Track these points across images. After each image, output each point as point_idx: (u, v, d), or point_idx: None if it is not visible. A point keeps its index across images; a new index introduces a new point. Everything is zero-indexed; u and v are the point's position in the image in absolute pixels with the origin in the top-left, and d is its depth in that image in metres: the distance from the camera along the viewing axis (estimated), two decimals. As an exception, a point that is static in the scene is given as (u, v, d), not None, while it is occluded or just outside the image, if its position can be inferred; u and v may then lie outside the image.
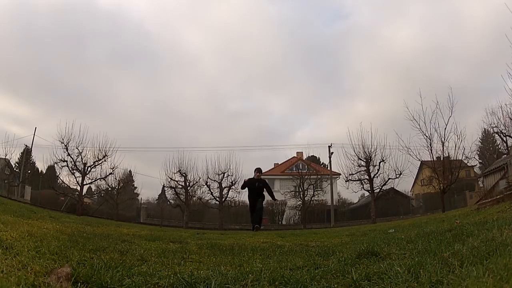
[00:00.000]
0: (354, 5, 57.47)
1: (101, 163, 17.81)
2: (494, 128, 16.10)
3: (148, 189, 67.55)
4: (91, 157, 17.57)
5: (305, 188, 20.93)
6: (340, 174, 18.20)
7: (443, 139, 14.02)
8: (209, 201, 20.47)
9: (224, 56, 60.93)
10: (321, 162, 35.37)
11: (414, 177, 24.53)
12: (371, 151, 16.83)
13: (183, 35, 60.70)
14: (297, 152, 31.06)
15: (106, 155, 17.80)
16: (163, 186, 23.01)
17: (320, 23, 61.43)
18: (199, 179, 19.23)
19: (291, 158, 31.74)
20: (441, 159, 14.80)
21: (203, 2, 61.80)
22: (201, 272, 1.18)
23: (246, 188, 7.91)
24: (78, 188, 17.66)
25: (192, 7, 60.72)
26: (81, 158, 17.35)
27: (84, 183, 17.68)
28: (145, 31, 57.51)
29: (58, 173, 20.11)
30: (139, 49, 57.54)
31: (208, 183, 18.99)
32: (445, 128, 13.96)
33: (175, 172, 18.97)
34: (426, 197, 23.07)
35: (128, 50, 58.06)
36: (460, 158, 14.69)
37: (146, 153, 54.14)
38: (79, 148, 17.23)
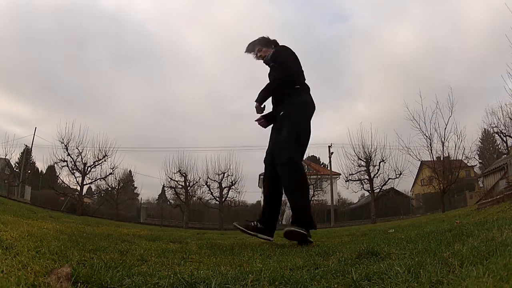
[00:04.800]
0: (354, 6, 57.52)
1: (101, 163, 17.86)
2: (494, 128, 16.11)
3: (148, 189, 67.59)
4: (91, 157, 17.64)
5: (305, 188, 20.86)
6: (340, 174, 18.23)
7: (443, 139, 14.06)
8: (209, 201, 20.50)
9: (225, 57, 61.03)
10: (321, 162, 35.37)
11: (414, 177, 24.54)
12: (371, 151, 16.86)
13: (184, 36, 60.81)
14: (297, 152, 30.99)
15: (106, 155, 17.85)
16: (163, 186, 23.05)
17: (320, 25, 61.46)
18: (199, 179, 19.29)
19: (291, 158, 31.69)
20: (441, 159, 14.81)
21: (204, 3, 61.90)
22: (201, 272, 1.18)
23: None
24: (78, 188, 17.70)
25: (193, 8, 60.83)
26: (81, 158, 17.39)
27: (84, 183, 17.73)
28: (146, 32, 57.56)
29: (58, 173, 20.15)
30: (140, 50, 57.59)
31: (208, 183, 19.03)
32: (445, 128, 14.01)
33: (175, 172, 19.03)
34: (426, 197, 23.08)
35: (129, 50, 58.11)
36: (460, 158, 14.71)
37: (146, 153, 54.15)
38: (79, 148, 17.29)
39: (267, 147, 2.88)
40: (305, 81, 2.83)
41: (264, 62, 2.95)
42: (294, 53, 2.82)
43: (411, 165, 20.25)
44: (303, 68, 2.84)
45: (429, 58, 50.23)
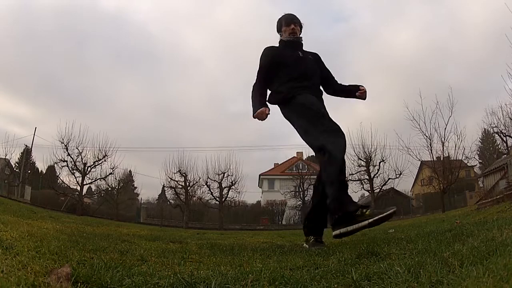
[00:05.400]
0: (354, 7, 57.51)
1: (101, 163, 17.87)
2: (494, 128, 16.11)
3: (148, 189, 67.64)
4: (91, 157, 17.65)
5: (305, 188, 20.94)
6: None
7: (443, 139, 14.08)
8: (209, 201, 20.50)
9: (226, 58, 61.01)
10: (321, 162, 35.29)
11: (414, 177, 24.55)
12: (371, 151, 16.85)
13: (186, 37, 60.81)
14: (297, 152, 31.05)
15: (106, 155, 17.85)
16: (163, 186, 23.09)
17: (320, 25, 61.35)
18: (199, 179, 19.29)
19: (291, 158, 31.77)
20: (441, 159, 14.83)
21: (206, 5, 61.93)
22: (201, 272, 1.18)
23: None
24: (78, 188, 17.71)
25: (194, 9, 60.86)
26: (81, 158, 17.40)
27: (84, 183, 17.73)
28: (147, 33, 57.56)
29: (58, 173, 20.18)
30: (141, 51, 57.60)
31: (208, 183, 19.03)
32: (445, 128, 14.03)
33: (175, 172, 19.03)
34: (426, 197, 23.08)
35: (130, 51, 58.12)
36: (460, 158, 14.73)
37: (146, 153, 54.13)
38: (79, 148, 17.30)
39: (331, 126, 2.29)
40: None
41: (297, 38, 2.65)
42: None
43: (411, 165, 20.29)
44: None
45: (429, 58, 50.27)
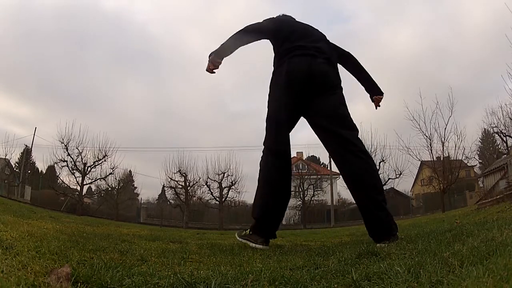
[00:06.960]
0: (355, 7, 57.50)
1: (101, 163, 17.90)
2: (494, 128, 16.14)
3: (148, 189, 67.53)
4: (91, 157, 17.68)
5: (305, 188, 20.96)
6: (340, 174, 18.22)
7: (443, 139, 14.07)
8: (209, 201, 20.51)
9: (226, 58, 60.93)
10: (321, 162, 35.39)
11: (414, 177, 24.56)
12: (371, 151, 16.87)
13: (186, 37, 60.81)
14: (297, 152, 31.05)
15: (106, 155, 17.88)
16: (163, 186, 23.09)
17: (320, 25, 61.07)
18: (199, 179, 19.31)
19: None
20: (441, 159, 14.83)
21: (207, 6, 61.96)
22: (201, 272, 1.18)
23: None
24: (78, 188, 17.72)
25: (195, 10, 60.89)
26: (81, 158, 17.42)
27: (84, 183, 17.76)
28: (148, 33, 57.57)
29: (58, 173, 20.22)
30: (142, 51, 57.60)
31: (208, 183, 19.05)
32: (445, 128, 14.03)
33: (175, 172, 19.05)
34: (426, 197, 23.10)
35: (131, 52, 58.13)
36: (460, 158, 14.73)
37: (146, 153, 54.14)
38: (79, 148, 17.33)
39: None
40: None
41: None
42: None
43: (411, 165, 20.37)
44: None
45: (429, 58, 50.24)
